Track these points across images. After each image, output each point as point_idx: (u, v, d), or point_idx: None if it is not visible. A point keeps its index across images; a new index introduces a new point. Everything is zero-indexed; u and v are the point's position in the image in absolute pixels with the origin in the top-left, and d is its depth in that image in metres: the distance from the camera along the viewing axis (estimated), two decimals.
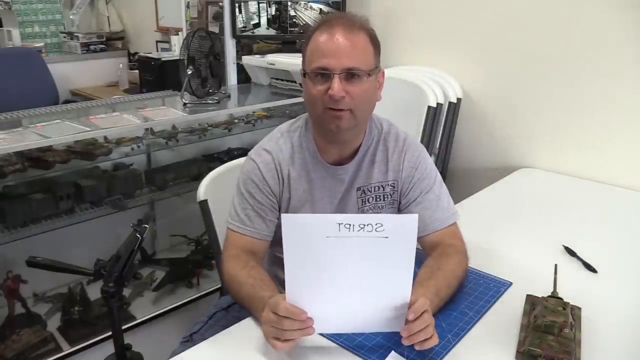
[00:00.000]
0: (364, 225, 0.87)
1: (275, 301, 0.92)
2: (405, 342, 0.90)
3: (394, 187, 1.22)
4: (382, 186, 1.21)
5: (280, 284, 1.32)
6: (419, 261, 1.17)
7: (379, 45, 1.12)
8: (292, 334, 0.91)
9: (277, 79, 2.59)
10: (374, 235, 0.88)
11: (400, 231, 0.88)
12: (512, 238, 1.45)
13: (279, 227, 1.21)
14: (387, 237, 0.88)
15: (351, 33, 1.06)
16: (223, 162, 1.48)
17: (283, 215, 0.88)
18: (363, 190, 1.21)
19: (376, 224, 0.87)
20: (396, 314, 0.94)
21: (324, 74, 1.05)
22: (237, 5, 2.50)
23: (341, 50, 1.05)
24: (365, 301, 0.94)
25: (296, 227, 0.89)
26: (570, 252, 1.35)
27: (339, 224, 0.87)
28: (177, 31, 3.19)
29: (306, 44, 1.11)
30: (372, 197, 1.22)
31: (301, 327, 0.91)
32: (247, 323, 1.04)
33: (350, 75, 1.05)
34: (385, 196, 1.22)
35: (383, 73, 1.15)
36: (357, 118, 1.10)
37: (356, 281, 0.92)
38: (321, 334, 1.00)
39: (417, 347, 0.91)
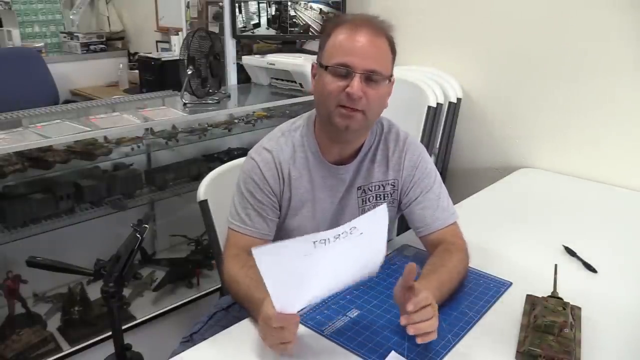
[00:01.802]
0: (339, 234, 0.87)
1: (266, 315, 0.91)
2: (411, 332, 0.89)
3: (394, 186, 1.22)
4: (382, 185, 1.22)
5: None
6: (421, 261, 1.17)
7: (395, 54, 1.13)
8: (292, 336, 0.91)
9: (277, 79, 2.59)
10: (349, 238, 0.88)
11: (374, 223, 0.91)
12: (512, 238, 1.45)
13: (279, 227, 1.21)
14: (362, 234, 0.89)
15: (377, 37, 1.08)
16: (223, 162, 1.47)
17: (253, 250, 0.83)
18: (363, 189, 1.21)
19: (350, 229, 0.88)
20: (371, 264, 0.97)
21: (345, 71, 1.06)
22: (237, 5, 2.50)
23: (365, 51, 1.06)
24: (344, 273, 0.96)
25: (270, 257, 0.85)
26: (570, 252, 1.35)
27: (314, 242, 0.85)
28: (177, 31, 3.19)
29: (326, 37, 1.11)
30: (373, 197, 1.22)
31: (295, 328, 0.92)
32: (247, 323, 1.04)
33: (369, 77, 1.06)
34: (386, 195, 1.22)
35: (394, 81, 1.16)
36: (368, 121, 1.11)
37: (337, 271, 0.94)
38: (321, 334, 1.00)
39: (418, 340, 0.90)
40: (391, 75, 1.12)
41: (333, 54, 1.08)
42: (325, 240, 0.86)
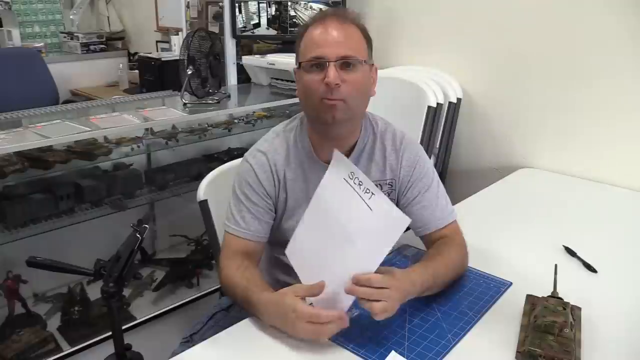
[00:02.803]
0: (368, 189, 0.98)
1: (297, 309, 0.94)
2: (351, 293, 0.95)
3: (391, 185, 1.22)
4: (379, 185, 1.21)
5: (281, 286, 1.32)
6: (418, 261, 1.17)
7: (370, 41, 1.13)
8: (332, 329, 0.94)
9: (277, 79, 2.59)
10: (364, 198, 0.98)
11: (387, 218, 0.97)
12: (512, 238, 1.45)
13: (276, 228, 1.21)
14: (372, 210, 0.97)
15: (344, 24, 1.08)
16: (223, 162, 1.47)
17: (287, 251, 1.02)
18: None
19: (370, 194, 0.97)
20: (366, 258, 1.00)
21: (319, 64, 1.06)
22: (237, 5, 2.50)
23: (335, 40, 1.06)
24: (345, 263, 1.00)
25: (295, 250, 1.04)
26: (570, 252, 1.35)
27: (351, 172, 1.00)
28: (177, 31, 3.19)
29: (299, 39, 1.12)
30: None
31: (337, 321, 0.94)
32: (247, 323, 1.04)
33: (345, 64, 1.06)
34: None
35: (376, 69, 1.16)
36: (352, 108, 1.10)
37: (343, 236, 1.01)
38: None
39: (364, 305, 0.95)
40: (367, 60, 1.11)
41: (305, 51, 1.09)
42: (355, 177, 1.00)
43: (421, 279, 1.03)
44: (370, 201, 0.98)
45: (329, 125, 1.10)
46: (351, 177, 1.01)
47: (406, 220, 0.95)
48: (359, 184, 0.99)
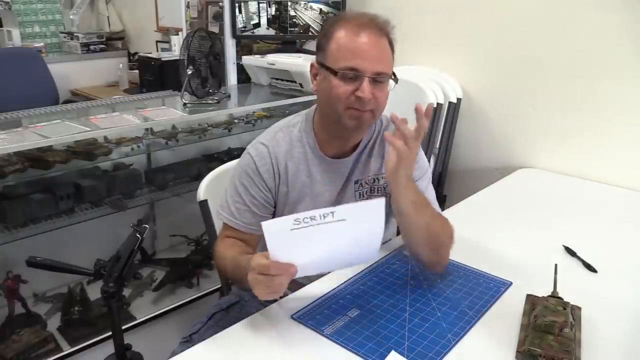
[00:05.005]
0: (324, 215, 0.91)
1: (259, 264, 0.93)
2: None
3: None
4: (377, 179, 1.24)
5: None
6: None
7: (394, 53, 1.15)
8: (285, 285, 0.94)
9: (277, 79, 2.59)
10: (330, 222, 0.92)
11: (362, 213, 0.95)
12: (512, 238, 1.45)
13: None
14: (344, 220, 0.92)
15: (380, 37, 1.09)
16: (223, 162, 1.48)
17: (262, 224, 0.90)
18: (360, 183, 1.23)
19: (330, 213, 0.91)
20: (366, 251, 1.01)
21: (353, 75, 1.07)
22: (237, 5, 2.50)
23: (373, 54, 1.07)
24: (340, 249, 1.00)
25: (275, 231, 0.92)
26: (570, 252, 1.35)
27: (299, 219, 0.90)
28: (177, 31, 3.19)
29: (329, 37, 1.10)
30: (367, 190, 1.24)
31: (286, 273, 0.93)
32: (247, 323, 1.04)
33: (377, 79, 1.08)
34: (379, 188, 1.24)
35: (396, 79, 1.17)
36: (375, 118, 1.14)
37: (329, 251, 0.99)
38: (321, 334, 1.00)
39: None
40: (393, 74, 1.13)
41: (340, 56, 1.08)
42: (310, 218, 0.91)
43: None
44: (336, 217, 0.92)
45: (350, 131, 1.13)
46: (297, 223, 0.91)
47: (381, 201, 0.94)
48: (311, 218, 0.91)
